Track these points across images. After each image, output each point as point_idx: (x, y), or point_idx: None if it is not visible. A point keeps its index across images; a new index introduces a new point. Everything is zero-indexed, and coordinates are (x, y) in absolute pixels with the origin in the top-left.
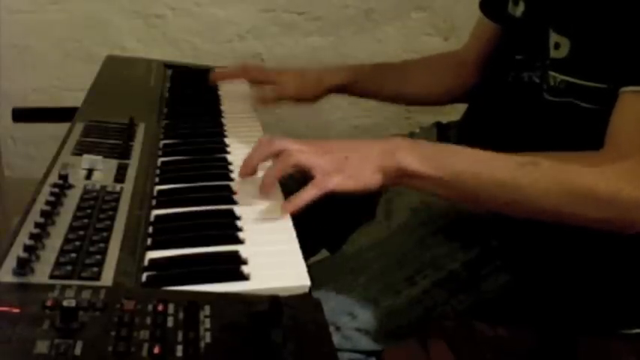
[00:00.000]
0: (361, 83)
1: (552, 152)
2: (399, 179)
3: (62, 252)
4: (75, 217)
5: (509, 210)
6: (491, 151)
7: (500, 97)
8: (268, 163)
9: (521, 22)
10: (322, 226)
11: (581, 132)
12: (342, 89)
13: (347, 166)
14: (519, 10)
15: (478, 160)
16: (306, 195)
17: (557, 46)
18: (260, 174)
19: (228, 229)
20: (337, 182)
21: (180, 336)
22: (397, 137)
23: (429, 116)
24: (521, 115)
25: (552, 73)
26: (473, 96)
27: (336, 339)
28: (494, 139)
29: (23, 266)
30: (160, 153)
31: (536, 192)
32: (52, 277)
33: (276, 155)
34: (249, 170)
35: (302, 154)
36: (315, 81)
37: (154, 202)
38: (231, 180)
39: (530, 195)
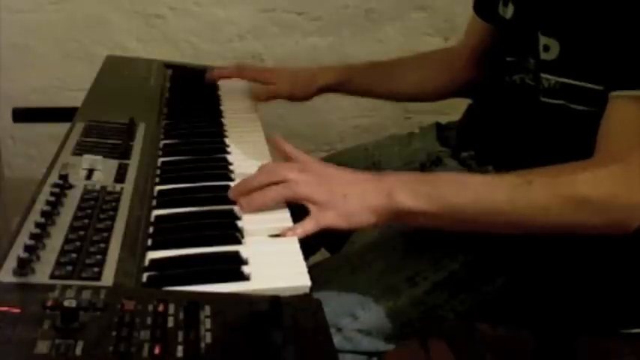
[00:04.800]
0: (354, 81)
1: (544, 167)
2: (395, 218)
3: (63, 252)
4: (75, 217)
5: (509, 230)
6: (491, 151)
7: (497, 98)
8: None
9: (511, 24)
10: None
11: (576, 136)
12: (335, 88)
13: (343, 204)
14: (509, 12)
15: (472, 187)
16: (306, 227)
17: (546, 48)
18: None
19: (228, 229)
20: (331, 220)
21: (180, 336)
22: (391, 175)
23: (428, 116)
24: (518, 117)
25: (544, 75)
26: (471, 95)
27: (337, 340)
28: (492, 140)
29: (24, 266)
30: (160, 153)
31: (534, 210)
32: (52, 277)
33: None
34: (243, 194)
35: (300, 186)
36: (307, 80)
37: (154, 202)
38: (232, 180)
39: (528, 214)
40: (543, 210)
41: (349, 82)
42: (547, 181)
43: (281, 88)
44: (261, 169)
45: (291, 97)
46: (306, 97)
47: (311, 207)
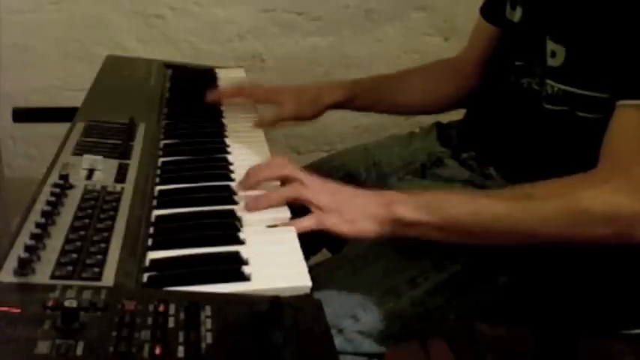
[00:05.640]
0: (359, 98)
1: (545, 181)
2: (396, 229)
3: (63, 252)
4: (76, 218)
5: (512, 242)
6: (492, 152)
7: (500, 100)
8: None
9: (520, 27)
10: None
11: (579, 140)
12: (340, 105)
13: (345, 211)
14: (517, 16)
15: (472, 200)
16: (305, 224)
17: (553, 54)
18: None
19: (228, 229)
20: (334, 222)
21: (181, 336)
22: (392, 191)
23: (429, 116)
24: (520, 121)
25: (549, 82)
26: (473, 97)
27: (338, 341)
28: (493, 141)
29: (24, 266)
30: (160, 153)
31: (534, 223)
32: (53, 277)
33: (284, 179)
34: (252, 184)
35: (307, 189)
36: (313, 99)
37: (154, 202)
38: (232, 180)
39: (529, 227)
40: (545, 222)
41: (356, 99)
42: (549, 193)
43: (287, 109)
44: (271, 160)
45: (298, 118)
46: (313, 116)
47: (314, 210)
